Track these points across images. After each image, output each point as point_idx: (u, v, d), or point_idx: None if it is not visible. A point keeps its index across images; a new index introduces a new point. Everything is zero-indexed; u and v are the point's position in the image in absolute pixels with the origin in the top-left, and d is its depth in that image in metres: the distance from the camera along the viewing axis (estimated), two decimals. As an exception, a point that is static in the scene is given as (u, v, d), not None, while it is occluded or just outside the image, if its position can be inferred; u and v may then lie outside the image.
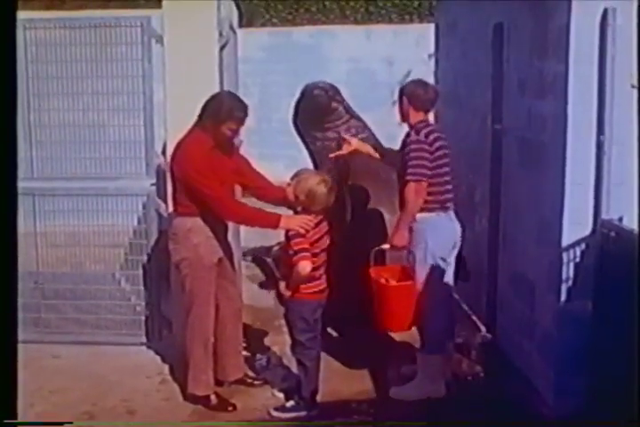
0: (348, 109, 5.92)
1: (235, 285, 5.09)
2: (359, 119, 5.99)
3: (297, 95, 6.03)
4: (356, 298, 5.47)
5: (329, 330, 5.71)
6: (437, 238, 4.89)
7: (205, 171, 4.61)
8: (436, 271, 4.89)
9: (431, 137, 4.84)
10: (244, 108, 4.74)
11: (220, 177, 4.67)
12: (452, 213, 5.01)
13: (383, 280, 4.87)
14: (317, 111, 5.84)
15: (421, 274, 4.87)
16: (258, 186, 5.00)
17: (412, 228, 4.88)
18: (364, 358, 5.38)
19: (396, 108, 5.06)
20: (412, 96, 4.94)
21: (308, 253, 4.52)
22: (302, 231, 4.53)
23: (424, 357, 4.96)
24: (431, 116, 5.08)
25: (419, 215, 4.86)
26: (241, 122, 4.75)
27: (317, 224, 4.63)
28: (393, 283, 4.89)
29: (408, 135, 4.94)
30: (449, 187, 4.97)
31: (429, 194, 4.84)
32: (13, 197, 3.15)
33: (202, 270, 4.74)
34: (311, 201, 4.59)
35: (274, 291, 6.59)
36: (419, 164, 4.78)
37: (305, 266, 4.49)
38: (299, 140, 6.19)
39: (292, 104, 6.10)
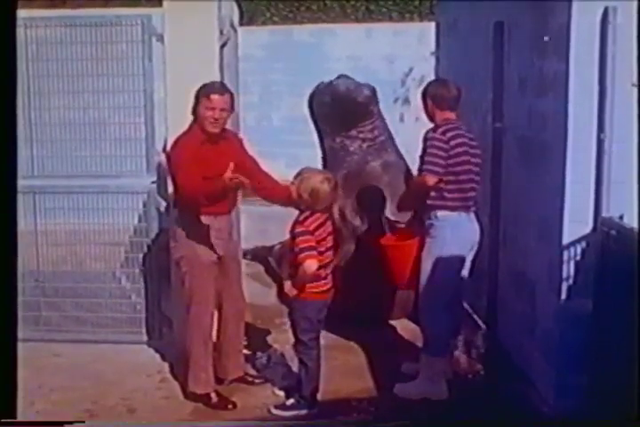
0: (379, 110, 5.89)
1: (238, 284, 5.06)
2: (383, 119, 5.96)
3: (323, 91, 5.92)
4: (360, 297, 5.48)
5: (331, 329, 5.69)
6: (457, 238, 4.82)
7: (186, 161, 4.51)
8: (448, 271, 4.83)
9: (449, 134, 4.74)
10: (219, 87, 4.69)
11: (202, 172, 4.49)
12: (472, 214, 4.93)
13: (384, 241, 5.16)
14: (356, 113, 5.77)
15: (428, 268, 4.81)
16: (264, 186, 4.93)
17: (432, 224, 4.83)
18: (367, 357, 5.38)
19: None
20: (435, 96, 4.88)
21: (314, 252, 4.46)
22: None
23: (427, 358, 4.91)
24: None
25: (440, 213, 4.80)
26: (215, 99, 4.60)
27: (323, 223, 4.60)
28: (393, 242, 5.16)
29: (427, 133, 4.87)
30: (473, 185, 4.86)
31: (451, 192, 4.77)
32: (14, 196, 3.16)
33: (200, 268, 4.73)
34: (315, 199, 4.54)
35: (276, 289, 6.59)
36: (427, 160, 4.72)
37: (311, 264, 4.42)
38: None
39: (321, 98, 5.94)
